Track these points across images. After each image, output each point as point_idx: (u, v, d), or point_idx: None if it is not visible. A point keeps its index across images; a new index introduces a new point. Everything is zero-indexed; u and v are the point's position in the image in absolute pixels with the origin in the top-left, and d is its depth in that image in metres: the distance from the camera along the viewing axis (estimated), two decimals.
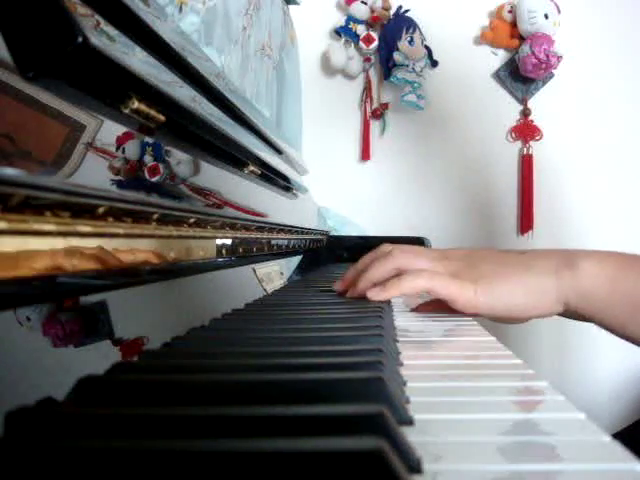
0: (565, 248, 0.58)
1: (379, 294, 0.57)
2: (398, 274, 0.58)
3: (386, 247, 0.64)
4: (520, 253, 0.58)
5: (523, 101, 1.82)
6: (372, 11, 1.80)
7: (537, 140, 1.82)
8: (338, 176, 1.88)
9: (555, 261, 0.54)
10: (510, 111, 1.83)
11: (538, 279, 0.53)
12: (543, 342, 1.82)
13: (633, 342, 0.54)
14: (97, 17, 0.33)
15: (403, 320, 0.58)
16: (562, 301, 0.53)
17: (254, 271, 0.71)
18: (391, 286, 0.56)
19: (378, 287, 0.58)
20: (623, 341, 0.55)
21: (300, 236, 1.04)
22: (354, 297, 0.62)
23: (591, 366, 1.82)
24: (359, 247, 1.44)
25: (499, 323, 0.62)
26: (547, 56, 1.67)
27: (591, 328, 0.56)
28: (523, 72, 1.73)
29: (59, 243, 0.28)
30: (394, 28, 1.77)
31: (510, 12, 1.76)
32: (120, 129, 0.36)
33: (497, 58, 1.84)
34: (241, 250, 0.64)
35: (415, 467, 0.21)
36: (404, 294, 0.57)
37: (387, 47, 1.77)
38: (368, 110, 1.86)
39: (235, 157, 0.63)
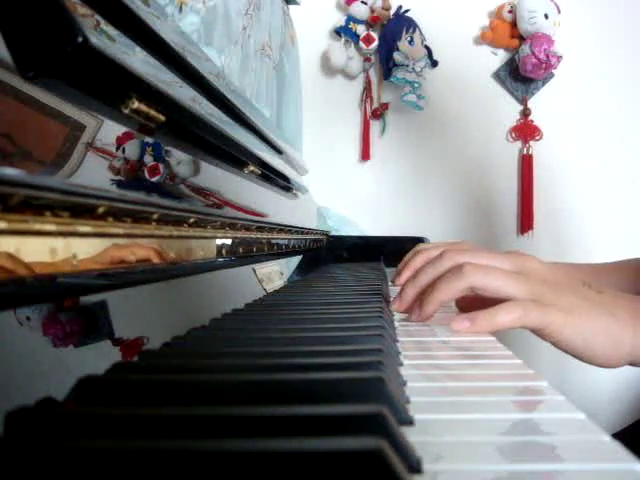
0: (635, 296, 0.54)
1: (467, 328, 0.49)
2: (472, 293, 0.52)
3: (453, 256, 0.55)
4: (595, 288, 0.53)
5: (523, 101, 1.82)
6: (372, 11, 1.80)
7: (537, 140, 1.82)
8: (338, 176, 1.88)
9: (631, 311, 0.51)
10: (510, 111, 1.83)
11: (617, 329, 0.50)
12: (543, 342, 1.82)
13: None
14: (97, 17, 0.33)
15: (403, 320, 0.58)
16: (633, 356, 0.51)
17: (254, 271, 0.71)
18: (482, 320, 0.49)
19: (464, 318, 0.49)
20: None
21: (300, 236, 1.04)
22: (421, 320, 0.55)
23: (591, 366, 1.82)
24: (359, 247, 1.44)
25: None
26: (547, 56, 1.67)
27: None
28: (523, 72, 1.73)
29: (59, 243, 0.28)
30: (394, 28, 1.77)
31: (510, 12, 1.76)
32: (120, 129, 0.36)
33: (497, 58, 1.83)
34: (241, 250, 0.64)
35: (415, 467, 0.21)
36: (495, 331, 0.50)
37: (387, 47, 1.77)
38: (368, 110, 1.86)
39: (235, 157, 0.63)
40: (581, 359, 0.51)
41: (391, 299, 0.64)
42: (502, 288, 0.50)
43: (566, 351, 0.51)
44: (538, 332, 0.50)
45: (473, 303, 0.58)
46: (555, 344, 0.50)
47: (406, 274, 0.62)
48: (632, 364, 0.52)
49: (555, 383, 0.32)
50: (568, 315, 0.48)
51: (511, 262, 0.54)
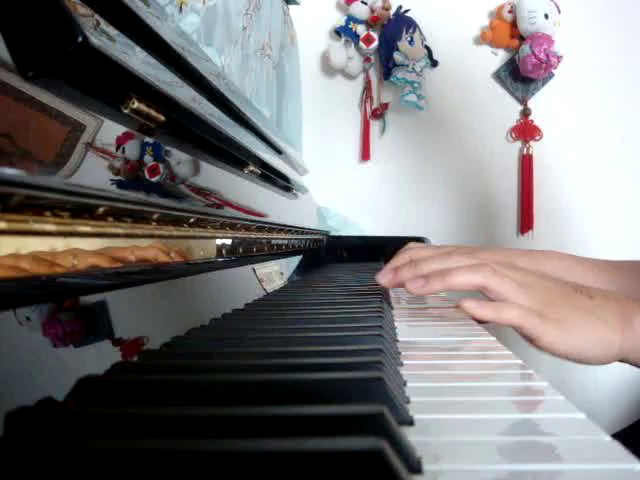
0: (625, 296, 0.58)
1: (475, 309, 0.53)
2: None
3: (463, 256, 0.59)
4: (586, 294, 0.57)
5: (523, 101, 1.82)
6: (372, 11, 1.80)
7: (537, 140, 1.82)
8: (338, 176, 1.88)
9: (619, 314, 0.55)
10: (510, 111, 1.83)
11: (606, 333, 0.54)
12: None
13: None
14: (97, 17, 0.33)
15: (403, 320, 0.58)
16: (621, 356, 0.55)
17: (254, 271, 0.71)
18: (489, 308, 0.53)
19: (474, 301, 0.53)
20: None
21: (300, 236, 1.04)
22: (418, 293, 0.57)
23: (591, 367, 1.82)
24: (359, 247, 1.44)
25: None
26: (547, 56, 1.67)
27: None
28: (523, 72, 1.73)
29: (59, 243, 0.28)
30: (394, 28, 1.77)
31: (510, 12, 1.76)
32: (120, 129, 0.36)
33: (497, 58, 1.83)
34: (241, 250, 0.64)
35: (415, 467, 0.21)
36: (497, 323, 0.54)
37: (387, 47, 1.77)
38: (368, 110, 1.86)
39: (235, 157, 0.63)
40: (576, 363, 0.55)
41: (391, 299, 0.64)
42: (507, 295, 0.54)
43: (561, 358, 0.54)
44: (531, 342, 0.54)
45: None
46: (551, 354, 0.54)
47: (387, 270, 0.64)
48: (621, 361, 0.56)
49: (555, 383, 0.32)
50: (561, 331, 0.53)
51: (519, 273, 0.58)
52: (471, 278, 0.55)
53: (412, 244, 0.70)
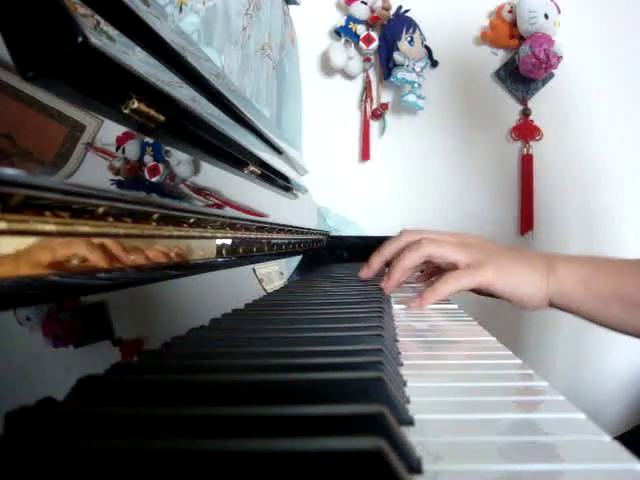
0: (548, 252, 0.69)
1: (419, 305, 0.63)
2: (427, 262, 0.67)
3: (410, 234, 0.69)
4: (518, 250, 0.69)
5: (523, 101, 1.82)
6: (372, 11, 1.80)
7: (537, 140, 1.82)
8: (338, 176, 1.88)
9: (546, 263, 0.65)
10: (510, 111, 1.83)
11: (535, 276, 0.64)
12: (544, 342, 1.82)
13: (609, 329, 0.67)
14: (97, 17, 0.33)
15: (404, 320, 0.58)
16: (548, 297, 0.65)
17: (254, 271, 0.71)
18: (428, 295, 0.63)
19: (416, 299, 0.64)
20: (624, 342, 0.61)
21: (300, 236, 1.04)
22: (391, 287, 0.68)
23: (593, 367, 1.82)
24: (359, 247, 1.44)
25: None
26: (547, 56, 1.67)
27: (594, 330, 0.64)
28: (523, 72, 1.73)
29: (59, 243, 0.28)
30: (394, 28, 1.77)
31: (510, 12, 1.76)
32: (120, 129, 0.36)
33: (497, 58, 1.83)
34: (241, 250, 0.64)
35: (415, 467, 0.21)
36: (441, 300, 0.64)
37: (387, 47, 1.77)
38: (368, 110, 1.86)
39: (235, 157, 0.63)
40: (514, 304, 0.65)
41: (391, 299, 0.66)
42: (449, 255, 0.65)
43: (502, 298, 0.64)
44: (478, 291, 0.64)
45: (430, 277, 0.77)
46: (492, 295, 0.64)
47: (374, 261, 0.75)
48: (551, 305, 0.66)
49: (555, 383, 0.32)
50: (497, 270, 0.62)
51: (456, 237, 0.69)
52: (415, 255, 0.65)
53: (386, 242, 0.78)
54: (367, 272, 0.74)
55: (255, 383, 0.27)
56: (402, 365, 0.38)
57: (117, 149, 0.36)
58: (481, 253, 0.65)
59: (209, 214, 0.51)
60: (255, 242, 0.70)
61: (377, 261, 0.72)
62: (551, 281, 0.64)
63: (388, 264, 0.73)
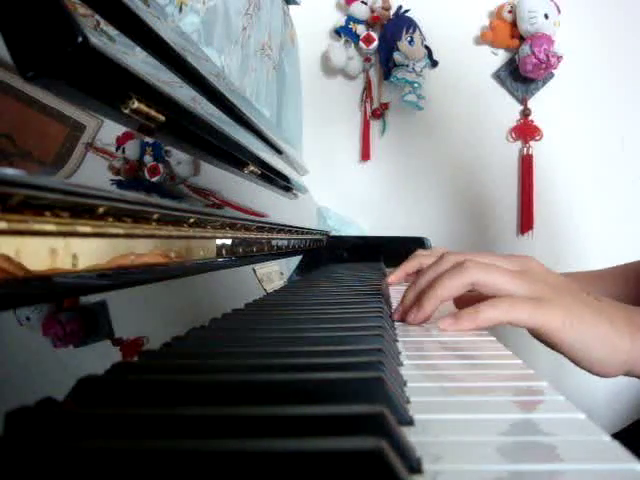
0: (625, 305, 0.53)
1: (451, 325, 0.50)
2: (471, 291, 0.52)
3: (454, 256, 0.54)
4: (593, 295, 0.52)
5: (523, 101, 1.82)
6: (372, 11, 1.80)
7: (537, 140, 1.82)
8: (338, 176, 1.88)
9: (629, 321, 0.50)
10: (510, 111, 1.83)
11: (617, 337, 0.48)
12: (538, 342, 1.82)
13: None
14: (97, 17, 0.33)
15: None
16: (629, 365, 0.49)
17: (254, 271, 0.71)
18: (467, 317, 0.49)
19: (449, 318, 0.50)
20: None
21: (300, 236, 1.04)
22: (419, 321, 0.54)
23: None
24: (359, 247, 1.44)
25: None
26: (547, 56, 1.67)
27: None
28: (523, 72, 1.73)
29: (59, 243, 0.28)
30: (394, 28, 1.77)
31: (510, 12, 1.76)
32: (120, 129, 0.36)
33: (497, 58, 1.83)
34: (241, 250, 0.64)
35: (415, 467, 0.21)
36: (480, 328, 0.49)
37: (387, 47, 1.77)
38: (368, 110, 1.86)
39: (235, 157, 0.63)
40: (578, 364, 0.50)
41: (391, 299, 0.64)
42: (502, 285, 0.49)
43: (563, 354, 0.50)
44: (535, 332, 0.49)
45: (470, 302, 0.54)
46: (553, 346, 0.49)
47: (397, 273, 0.65)
48: (627, 374, 0.51)
49: (555, 383, 0.32)
50: (568, 316, 0.47)
51: (513, 262, 0.54)
52: (457, 282, 0.51)
53: (420, 251, 0.68)
54: (400, 314, 0.56)
55: (255, 383, 0.27)
56: (402, 365, 0.38)
57: (117, 149, 0.36)
58: (546, 287, 0.50)
59: (209, 214, 0.51)
60: (255, 242, 0.70)
61: (413, 296, 0.55)
62: (636, 346, 0.49)
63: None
